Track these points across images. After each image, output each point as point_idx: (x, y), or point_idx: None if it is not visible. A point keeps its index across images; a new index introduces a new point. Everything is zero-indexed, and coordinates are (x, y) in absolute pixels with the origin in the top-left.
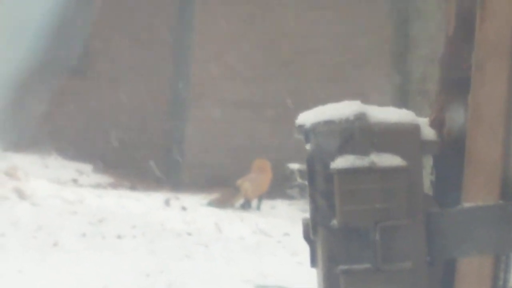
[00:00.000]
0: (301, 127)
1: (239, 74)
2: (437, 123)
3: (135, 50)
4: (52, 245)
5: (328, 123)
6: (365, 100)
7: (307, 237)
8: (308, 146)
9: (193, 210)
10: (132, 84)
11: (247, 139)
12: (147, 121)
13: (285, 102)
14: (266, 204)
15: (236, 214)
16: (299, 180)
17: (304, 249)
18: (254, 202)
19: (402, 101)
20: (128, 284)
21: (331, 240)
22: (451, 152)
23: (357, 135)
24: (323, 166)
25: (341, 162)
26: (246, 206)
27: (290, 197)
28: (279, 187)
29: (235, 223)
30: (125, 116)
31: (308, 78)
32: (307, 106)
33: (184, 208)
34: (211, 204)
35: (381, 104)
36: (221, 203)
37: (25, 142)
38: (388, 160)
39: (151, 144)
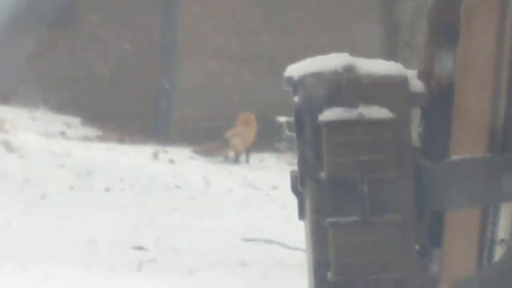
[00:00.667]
0: (289, 79)
1: (227, 27)
2: (425, 75)
3: (123, 2)
4: (40, 197)
5: (316, 75)
6: (354, 52)
7: (295, 190)
8: (296, 99)
9: (181, 163)
10: (119, 36)
11: (235, 92)
12: (135, 74)
13: (273, 55)
14: (255, 157)
15: (224, 167)
16: (287, 132)
17: (292, 202)
18: (243, 156)
19: (390, 54)
20: (116, 237)
21: (319, 192)
22: (439, 104)
23: (345, 87)
24: (311, 118)
25: (329, 114)
26: (235, 159)
27: (278, 150)
28: (268, 140)
29: (223, 176)
30: (112, 68)
31: (297, 30)
32: (295, 59)
33: (172, 161)
34: (196, 152)
35: (369, 56)
36: (207, 153)
37: (12, 94)
38: (376, 112)
39: (139, 97)
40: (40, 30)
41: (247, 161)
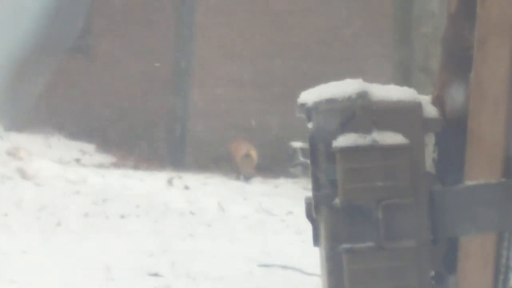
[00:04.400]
0: (302, 105)
1: (241, 53)
2: (439, 101)
3: (137, 28)
4: (56, 225)
5: (330, 101)
6: (367, 78)
7: (309, 216)
8: (310, 125)
9: (196, 189)
10: (134, 62)
11: (249, 117)
12: (150, 100)
13: (287, 80)
14: (269, 183)
15: (238, 193)
16: (302, 159)
17: (308, 227)
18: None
19: (404, 79)
20: (131, 264)
21: (333, 218)
22: (453, 130)
23: (359, 113)
24: (325, 144)
25: (343, 140)
26: (248, 178)
27: (293, 176)
28: (282, 166)
29: (238, 202)
30: (127, 95)
31: (310, 56)
32: (308, 84)
33: (187, 187)
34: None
35: (383, 82)
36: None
37: (28, 122)
38: (390, 138)
39: (153, 123)
40: (54, 57)
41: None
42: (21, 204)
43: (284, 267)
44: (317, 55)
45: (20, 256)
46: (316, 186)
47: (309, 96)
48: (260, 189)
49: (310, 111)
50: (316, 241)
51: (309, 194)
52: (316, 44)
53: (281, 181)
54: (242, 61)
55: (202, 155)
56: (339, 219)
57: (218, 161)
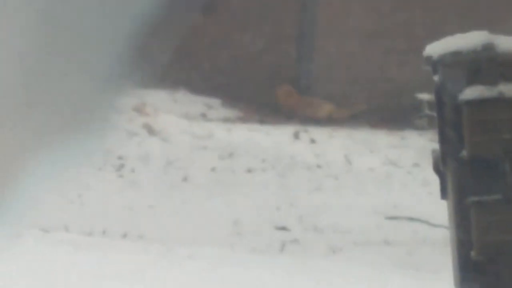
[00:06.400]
0: (428, 58)
1: (366, 5)
2: None
3: None
4: (182, 180)
5: (456, 54)
6: (493, 30)
7: (437, 169)
8: (435, 78)
9: (322, 143)
10: (259, 18)
11: (375, 70)
12: (274, 55)
13: (412, 31)
14: (395, 134)
15: (365, 145)
16: (428, 112)
17: (434, 179)
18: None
19: None
20: (259, 218)
21: (460, 171)
22: None
23: (485, 65)
24: (452, 97)
25: (470, 93)
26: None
27: (419, 127)
28: (408, 117)
29: (364, 154)
30: (254, 51)
31: (435, 7)
32: (435, 37)
33: (313, 141)
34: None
35: (509, 34)
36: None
37: (154, 78)
38: None
39: (279, 77)
40: (183, 16)
41: None
42: (148, 159)
43: (411, 219)
44: (442, 6)
45: (147, 211)
46: (443, 139)
47: (435, 49)
48: (386, 141)
49: (436, 64)
50: (443, 194)
51: (436, 146)
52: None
53: (407, 133)
54: (368, 13)
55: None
56: (466, 172)
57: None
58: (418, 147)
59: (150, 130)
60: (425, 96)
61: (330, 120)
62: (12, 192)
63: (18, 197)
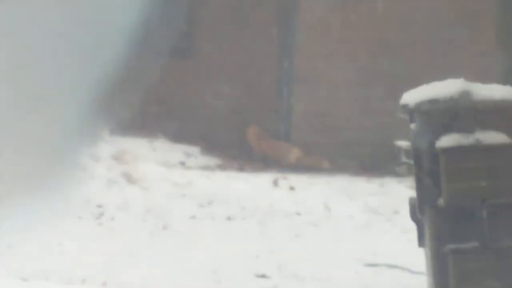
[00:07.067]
0: (405, 106)
1: (342, 52)
2: None
3: (238, 32)
4: (162, 228)
5: (433, 102)
6: (469, 78)
7: (414, 217)
8: (412, 126)
9: (301, 190)
10: (236, 64)
11: (353, 116)
12: (253, 102)
13: (390, 79)
14: (374, 182)
15: (344, 192)
16: (405, 159)
17: (414, 227)
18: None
19: (507, 79)
20: (239, 266)
21: (438, 219)
22: None
23: (462, 113)
24: (428, 145)
25: (446, 140)
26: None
27: (398, 175)
28: (387, 165)
29: (343, 202)
30: (231, 97)
31: (411, 58)
32: (412, 82)
33: (292, 188)
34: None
35: (485, 82)
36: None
37: (132, 126)
38: (494, 137)
39: (258, 124)
40: (156, 61)
41: None
42: (128, 207)
43: (391, 266)
44: (417, 55)
45: (127, 259)
46: (420, 187)
47: (411, 97)
48: (365, 188)
49: (412, 111)
50: (421, 241)
51: (414, 194)
52: (417, 46)
53: (386, 180)
54: (345, 59)
55: (306, 155)
56: (443, 220)
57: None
58: (397, 194)
59: (130, 178)
60: (403, 144)
61: (297, 167)
62: None
63: None
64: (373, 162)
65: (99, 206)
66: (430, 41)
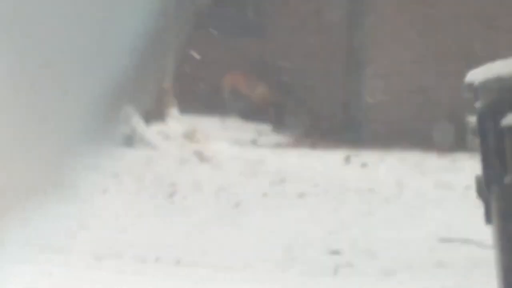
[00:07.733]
0: (470, 85)
1: (414, 29)
2: None
3: (308, 11)
4: (234, 206)
5: (498, 80)
6: None
7: (480, 194)
8: (478, 104)
9: (373, 166)
10: (307, 41)
11: (424, 93)
12: (324, 79)
13: (461, 55)
14: (446, 157)
15: (416, 168)
16: (471, 136)
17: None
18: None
19: None
20: (312, 242)
21: (504, 197)
22: None
23: None
24: (494, 123)
25: None
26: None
27: (470, 150)
28: (459, 140)
29: (416, 178)
30: (303, 75)
31: (477, 33)
32: (481, 58)
33: (364, 165)
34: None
35: None
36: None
37: (203, 105)
38: None
39: (329, 101)
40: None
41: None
42: (200, 186)
43: (466, 241)
44: (484, 32)
45: (200, 236)
46: (486, 165)
47: (476, 75)
48: (437, 163)
49: (477, 90)
50: (488, 219)
51: (480, 172)
52: (483, 20)
53: (458, 155)
54: (417, 37)
55: (378, 132)
56: (510, 197)
57: (394, 136)
58: (469, 169)
59: (201, 157)
60: (473, 119)
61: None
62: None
63: None
64: (444, 137)
65: (172, 185)
66: (494, 17)
